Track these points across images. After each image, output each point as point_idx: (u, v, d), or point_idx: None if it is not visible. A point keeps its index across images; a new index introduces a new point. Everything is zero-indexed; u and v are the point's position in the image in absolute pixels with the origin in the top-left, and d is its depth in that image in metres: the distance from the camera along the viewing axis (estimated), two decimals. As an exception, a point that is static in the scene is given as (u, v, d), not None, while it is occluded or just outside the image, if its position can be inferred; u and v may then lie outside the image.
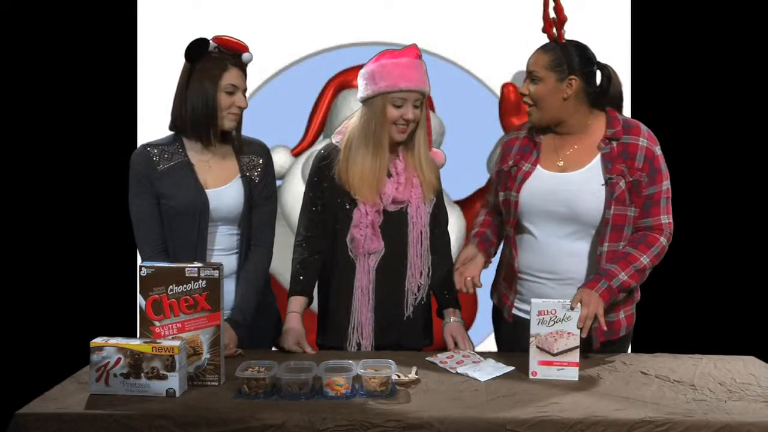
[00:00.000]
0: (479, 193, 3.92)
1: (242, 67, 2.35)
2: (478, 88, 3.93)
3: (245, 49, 2.36)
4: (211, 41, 2.32)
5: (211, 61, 2.30)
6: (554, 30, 2.27)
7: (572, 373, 2.06)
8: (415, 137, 2.43)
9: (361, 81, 2.41)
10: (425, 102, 2.41)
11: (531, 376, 2.08)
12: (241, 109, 2.36)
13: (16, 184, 3.62)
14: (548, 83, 2.25)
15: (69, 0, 3.62)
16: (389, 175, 2.43)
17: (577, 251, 2.29)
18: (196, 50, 2.30)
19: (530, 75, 2.29)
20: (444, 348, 2.42)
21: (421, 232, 2.45)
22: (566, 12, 2.27)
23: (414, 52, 2.40)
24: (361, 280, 2.42)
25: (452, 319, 2.49)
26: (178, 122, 2.35)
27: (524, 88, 2.31)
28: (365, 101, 2.40)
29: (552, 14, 2.28)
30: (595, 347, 2.27)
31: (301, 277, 2.47)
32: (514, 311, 2.40)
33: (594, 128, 2.31)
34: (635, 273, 2.21)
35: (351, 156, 2.40)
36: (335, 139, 2.48)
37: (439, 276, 2.53)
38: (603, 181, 2.24)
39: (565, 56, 2.25)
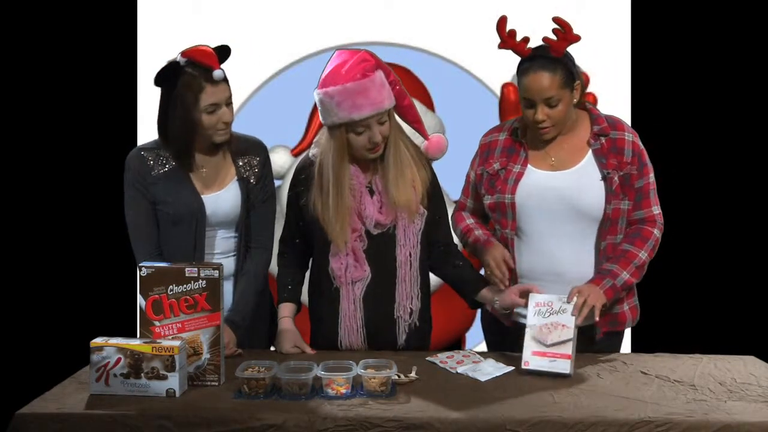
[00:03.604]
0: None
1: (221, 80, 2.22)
2: (478, 88, 3.93)
3: (215, 64, 2.19)
4: (180, 57, 2.21)
5: (186, 83, 2.18)
6: (557, 40, 2.18)
7: (564, 365, 2.06)
8: (385, 157, 2.25)
9: (318, 104, 2.23)
10: (392, 112, 2.24)
11: (523, 366, 2.08)
12: (228, 123, 2.26)
13: (17, 185, 3.62)
14: (565, 100, 2.21)
15: (69, 1, 3.62)
16: (372, 193, 2.29)
17: (579, 250, 2.27)
18: (165, 76, 2.20)
19: (547, 101, 2.19)
20: (440, 349, 2.38)
21: (410, 254, 2.29)
22: (566, 12, 2.25)
23: (360, 67, 2.17)
24: (347, 309, 2.29)
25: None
26: (165, 148, 2.29)
27: (541, 114, 2.20)
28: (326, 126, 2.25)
29: (552, 33, 2.18)
30: (598, 337, 2.27)
31: (289, 287, 2.40)
32: (515, 317, 2.34)
33: (579, 126, 2.31)
34: (636, 270, 2.23)
35: (323, 185, 2.25)
36: (311, 153, 2.34)
37: (462, 276, 2.38)
38: (600, 176, 2.24)
39: (570, 67, 2.21)
